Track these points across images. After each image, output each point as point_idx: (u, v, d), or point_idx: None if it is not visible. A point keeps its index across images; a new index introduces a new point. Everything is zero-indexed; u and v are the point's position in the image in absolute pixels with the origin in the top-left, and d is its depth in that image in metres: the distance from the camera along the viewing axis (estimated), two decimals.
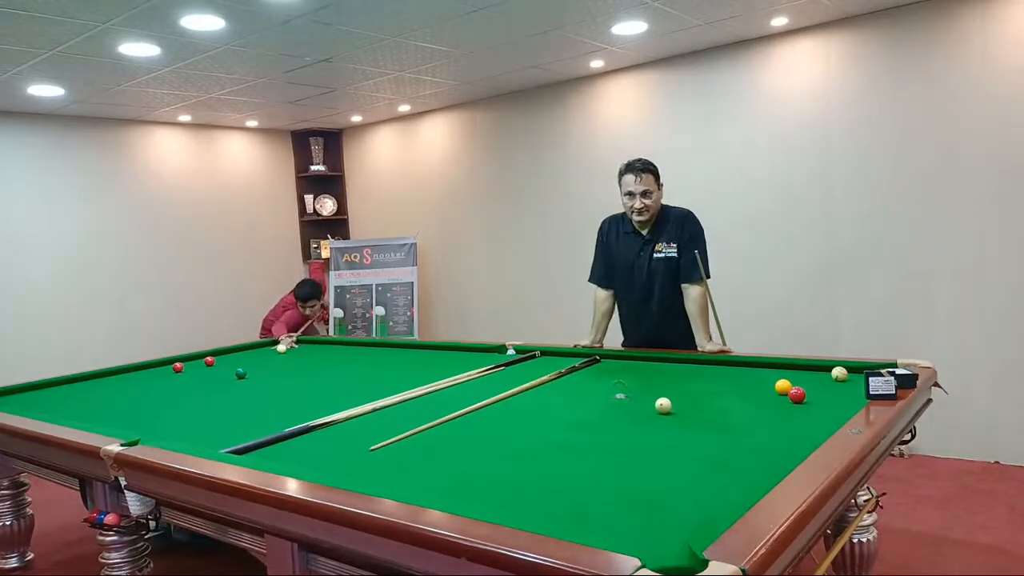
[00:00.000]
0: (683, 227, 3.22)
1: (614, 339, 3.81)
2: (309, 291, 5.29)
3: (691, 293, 3.22)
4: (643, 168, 3.14)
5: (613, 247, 3.41)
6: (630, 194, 3.16)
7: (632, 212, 3.21)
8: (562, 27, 4.23)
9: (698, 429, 2.17)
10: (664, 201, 3.32)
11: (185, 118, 6.23)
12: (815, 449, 1.79)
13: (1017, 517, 3.41)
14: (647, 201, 3.14)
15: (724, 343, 3.32)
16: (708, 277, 3.22)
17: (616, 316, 3.56)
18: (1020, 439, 4.05)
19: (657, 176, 3.18)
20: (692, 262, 3.18)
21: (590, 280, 3.56)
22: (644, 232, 3.28)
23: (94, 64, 4.34)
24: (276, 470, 1.84)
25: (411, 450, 2.11)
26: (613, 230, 3.42)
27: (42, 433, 2.52)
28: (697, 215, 3.35)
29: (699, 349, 3.24)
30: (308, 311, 5.29)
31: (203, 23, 3.73)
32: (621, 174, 3.22)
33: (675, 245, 3.21)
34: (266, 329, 5.38)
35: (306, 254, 7.32)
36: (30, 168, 5.60)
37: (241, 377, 3.48)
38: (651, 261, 3.25)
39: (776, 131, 4.73)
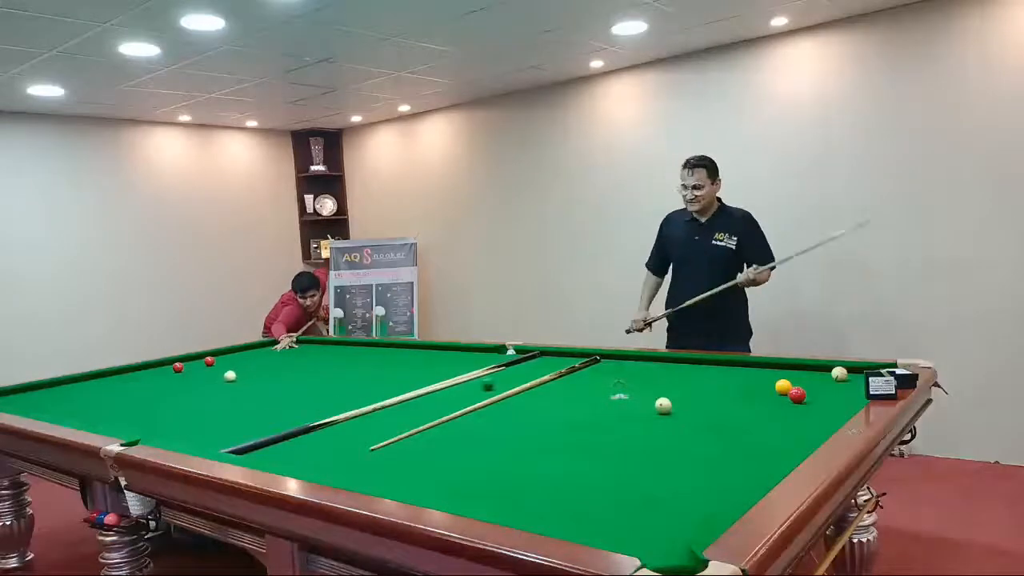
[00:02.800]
0: (744, 225, 3.56)
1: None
2: (307, 281, 5.24)
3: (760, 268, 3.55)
4: (695, 164, 3.52)
5: (670, 235, 3.76)
6: (684, 186, 3.56)
7: (685, 201, 3.60)
8: (562, 27, 4.23)
9: (698, 429, 2.17)
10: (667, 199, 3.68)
11: (185, 118, 6.23)
12: (815, 449, 1.79)
13: (1017, 517, 3.41)
14: (697, 192, 3.51)
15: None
16: (775, 265, 3.57)
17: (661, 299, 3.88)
18: (1020, 439, 4.05)
19: (710, 171, 3.52)
20: (761, 256, 3.53)
21: (646, 265, 3.91)
22: (702, 220, 3.60)
23: (94, 64, 4.34)
24: (276, 470, 1.84)
25: (411, 450, 2.11)
26: (673, 219, 3.78)
27: (42, 433, 2.52)
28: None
29: (742, 275, 3.50)
30: (308, 301, 5.20)
31: (203, 23, 3.73)
32: (681, 169, 3.60)
33: (735, 239, 3.54)
34: (267, 328, 5.37)
35: (306, 254, 7.32)
36: (30, 168, 5.61)
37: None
38: (709, 247, 3.56)
39: (775, 131, 4.73)
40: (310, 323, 5.30)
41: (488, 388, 2.84)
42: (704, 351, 3.33)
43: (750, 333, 3.69)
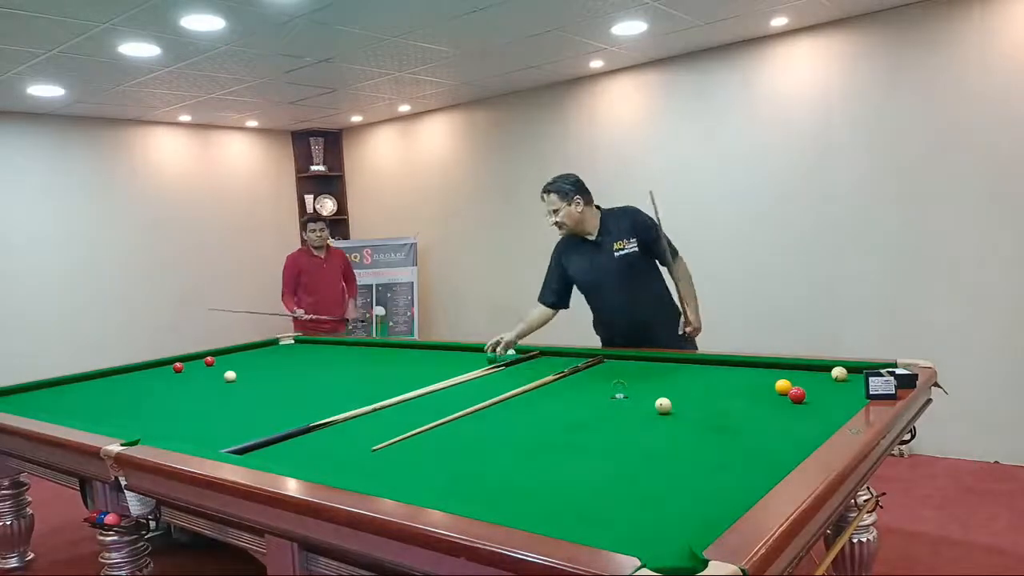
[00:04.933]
0: (634, 223, 3.36)
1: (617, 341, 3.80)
2: (315, 215, 5.31)
3: (678, 271, 3.38)
4: (546, 191, 3.39)
5: (570, 265, 3.49)
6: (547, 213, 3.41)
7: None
8: (562, 27, 4.23)
9: (698, 429, 2.16)
10: (659, 202, 3.46)
11: (185, 118, 6.23)
12: (815, 449, 1.79)
13: (1017, 517, 3.41)
14: (555, 218, 3.37)
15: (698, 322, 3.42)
16: (677, 250, 3.40)
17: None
18: (1020, 439, 4.05)
19: (562, 193, 3.35)
20: (663, 246, 3.33)
21: (539, 299, 3.58)
22: (593, 238, 3.40)
23: (94, 64, 4.34)
24: (276, 470, 1.84)
25: (411, 450, 2.11)
26: (568, 246, 3.52)
27: (42, 433, 2.52)
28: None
29: (683, 327, 3.33)
30: (318, 234, 5.18)
31: (203, 23, 3.73)
32: None
33: (634, 240, 3.33)
34: (287, 307, 5.29)
35: None
36: (30, 168, 5.61)
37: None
38: (614, 261, 3.35)
39: (775, 131, 4.73)
40: (339, 319, 5.27)
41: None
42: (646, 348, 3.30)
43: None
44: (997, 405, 4.09)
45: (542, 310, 3.56)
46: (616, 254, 3.34)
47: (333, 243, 6.74)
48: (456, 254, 6.60)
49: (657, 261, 3.40)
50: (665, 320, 3.39)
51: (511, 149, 6.09)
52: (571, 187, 3.37)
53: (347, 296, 5.51)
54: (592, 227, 3.40)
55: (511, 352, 3.62)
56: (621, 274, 3.34)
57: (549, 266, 3.60)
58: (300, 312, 4.89)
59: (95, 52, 4.11)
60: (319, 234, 5.23)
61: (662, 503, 1.59)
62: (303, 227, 5.31)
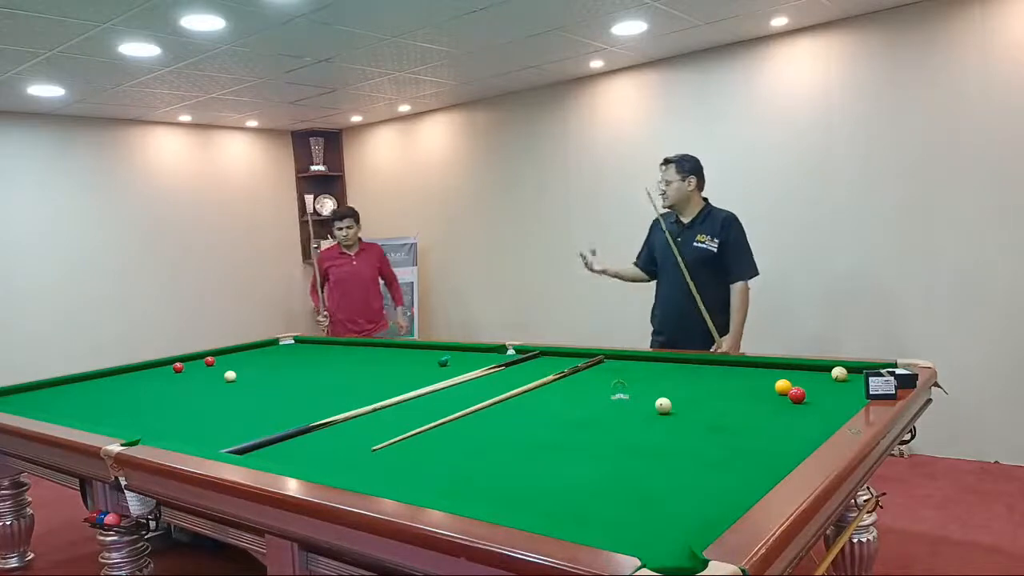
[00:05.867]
0: (726, 228, 3.50)
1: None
2: (342, 210, 5.10)
3: (740, 291, 3.50)
4: (665, 161, 3.61)
5: (656, 236, 3.73)
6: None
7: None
8: (562, 27, 4.23)
9: (698, 429, 2.17)
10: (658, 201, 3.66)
11: (185, 118, 6.23)
12: (815, 449, 1.79)
13: (1017, 517, 3.41)
14: (664, 188, 3.59)
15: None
16: (757, 273, 3.52)
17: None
18: (1020, 439, 4.05)
19: (679, 167, 3.54)
20: (739, 260, 3.49)
21: (633, 263, 3.86)
22: (685, 221, 3.59)
23: (94, 64, 4.34)
24: (276, 470, 1.84)
25: (411, 450, 2.11)
26: (662, 219, 3.72)
27: (42, 433, 2.52)
28: None
29: (715, 348, 3.43)
30: (344, 232, 5.01)
31: (203, 23, 3.73)
32: None
33: (717, 241, 3.48)
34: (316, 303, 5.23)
35: (306, 254, 7.31)
36: (30, 168, 5.60)
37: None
38: (690, 248, 3.52)
39: (776, 131, 4.73)
40: (366, 328, 5.17)
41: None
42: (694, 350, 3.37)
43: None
44: (997, 405, 4.09)
45: (633, 267, 3.84)
46: (695, 243, 3.51)
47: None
48: (456, 254, 6.60)
49: (729, 274, 3.49)
50: (699, 325, 3.45)
51: (511, 149, 6.09)
52: (690, 166, 3.56)
53: (394, 304, 5.36)
54: (690, 212, 3.58)
55: (511, 352, 3.63)
56: (691, 263, 3.48)
57: (646, 236, 3.84)
58: (324, 316, 4.90)
59: (95, 52, 4.11)
60: (344, 232, 5.04)
61: (662, 503, 1.60)
62: (331, 224, 5.15)
